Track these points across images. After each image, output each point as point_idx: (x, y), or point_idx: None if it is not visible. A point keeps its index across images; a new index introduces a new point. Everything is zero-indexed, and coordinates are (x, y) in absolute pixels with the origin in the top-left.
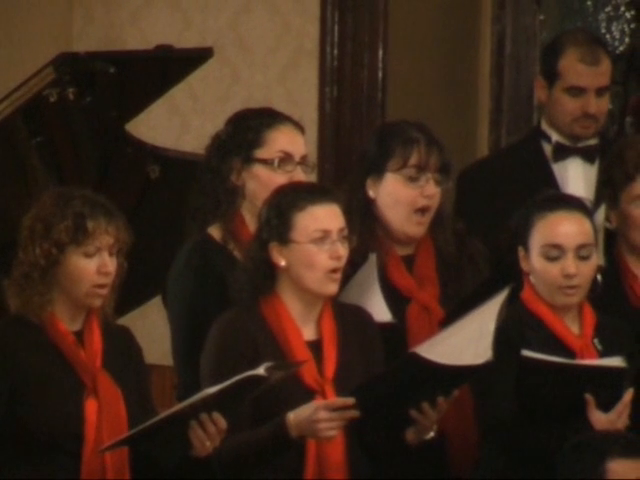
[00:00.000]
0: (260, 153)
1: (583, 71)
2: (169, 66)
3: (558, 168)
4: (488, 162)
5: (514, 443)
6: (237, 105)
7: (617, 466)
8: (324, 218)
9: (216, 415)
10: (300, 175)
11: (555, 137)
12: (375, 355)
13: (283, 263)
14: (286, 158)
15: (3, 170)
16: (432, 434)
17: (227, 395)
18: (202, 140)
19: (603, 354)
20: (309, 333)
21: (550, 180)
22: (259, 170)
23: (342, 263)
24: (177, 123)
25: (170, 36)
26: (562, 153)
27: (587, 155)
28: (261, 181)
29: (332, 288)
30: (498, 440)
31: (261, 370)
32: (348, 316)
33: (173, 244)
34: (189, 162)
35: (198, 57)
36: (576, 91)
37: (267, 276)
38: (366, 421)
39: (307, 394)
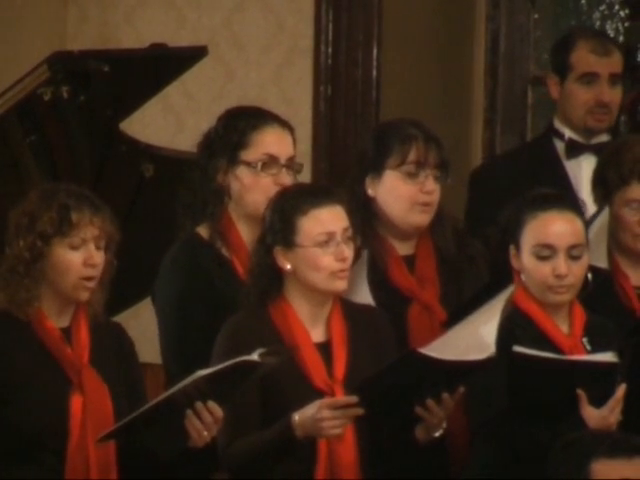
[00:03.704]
0: (245, 155)
1: (595, 61)
2: (163, 65)
3: (571, 166)
4: (500, 161)
5: (505, 440)
6: (232, 104)
7: (601, 467)
8: (328, 220)
9: (212, 404)
10: (285, 177)
11: (568, 134)
12: (387, 355)
13: (289, 267)
14: (270, 161)
15: None
16: (441, 431)
17: (221, 381)
18: (197, 139)
19: (592, 354)
20: (318, 335)
21: (563, 178)
22: (243, 172)
23: (348, 264)
24: (172, 122)
25: (164, 35)
26: (575, 151)
27: (600, 152)
28: (244, 183)
29: (340, 285)
30: (489, 437)
31: (254, 356)
32: (359, 316)
33: (168, 243)
34: (183, 161)
35: (192, 55)
36: (589, 78)
37: (273, 280)
38: (376, 419)
39: (317, 396)
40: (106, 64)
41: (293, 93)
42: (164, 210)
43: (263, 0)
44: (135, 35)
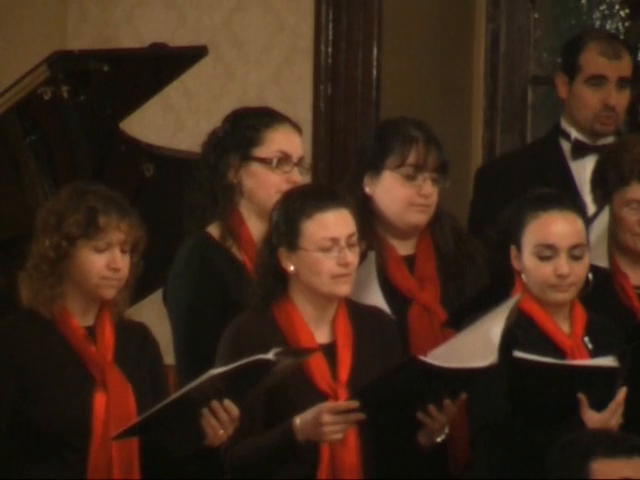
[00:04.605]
0: (258, 152)
1: (604, 63)
2: (163, 64)
3: (576, 166)
4: (506, 160)
5: (506, 443)
6: (231, 103)
7: (601, 466)
8: (332, 226)
9: (228, 402)
10: (297, 176)
11: (574, 134)
12: (393, 357)
13: (292, 268)
14: (284, 158)
15: None
16: (443, 437)
17: (236, 379)
18: (196, 138)
19: (594, 353)
20: (323, 336)
21: (568, 178)
22: (257, 169)
23: (351, 269)
24: (171, 121)
25: (164, 34)
26: (581, 151)
27: None
28: (258, 180)
29: (343, 289)
30: (490, 440)
31: (270, 355)
32: (365, 317)
33: (168, 242)
34: (184, 160)
35: (192, 55)
36: (597, 81)
37: (278, 280)
38: (378, 423)
39: (320, 398)
40: (106, 64)
41: (293, 93)
42: (165, 209)
43: (263, 0)
44: (135, 35)
